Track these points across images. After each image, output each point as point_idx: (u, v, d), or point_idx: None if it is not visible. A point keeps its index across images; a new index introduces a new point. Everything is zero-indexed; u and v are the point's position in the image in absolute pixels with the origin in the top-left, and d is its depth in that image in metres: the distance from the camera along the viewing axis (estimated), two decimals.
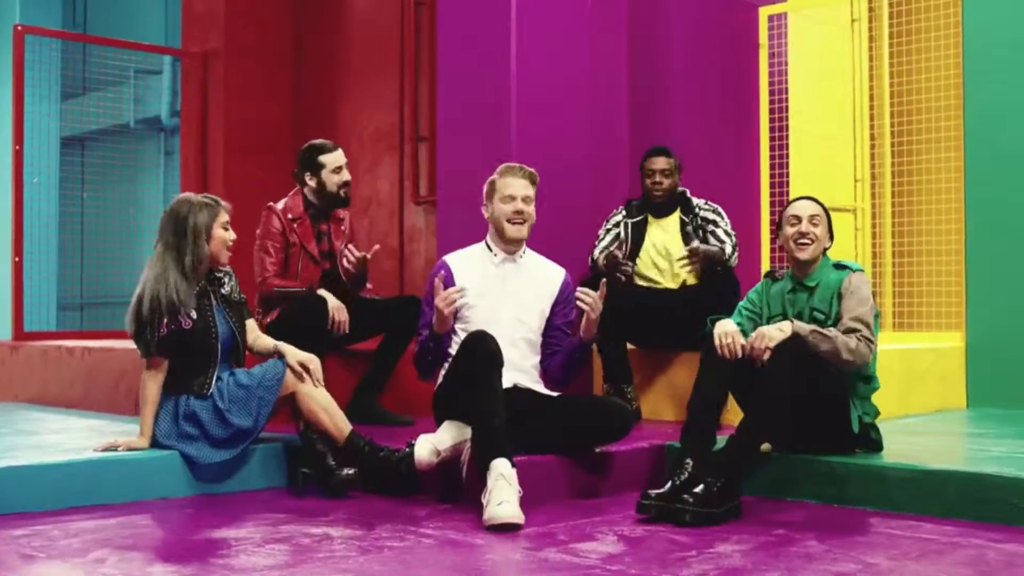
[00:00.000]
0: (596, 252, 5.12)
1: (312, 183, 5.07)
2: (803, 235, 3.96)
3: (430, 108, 6.66)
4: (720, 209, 5.15)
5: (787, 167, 6.76)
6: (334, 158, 5.07)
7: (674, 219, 5.16)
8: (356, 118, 7.23)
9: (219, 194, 7.33)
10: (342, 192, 5.08)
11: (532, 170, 4.10)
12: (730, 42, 6.39)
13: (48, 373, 6.18)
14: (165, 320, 3.92)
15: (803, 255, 3.97)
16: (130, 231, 9.67)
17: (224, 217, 4.05)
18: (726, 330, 3.78)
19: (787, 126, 6.77)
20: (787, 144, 6.78)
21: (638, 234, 5.15)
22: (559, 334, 4.12)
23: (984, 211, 5.83)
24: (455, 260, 4.12)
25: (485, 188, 4.11)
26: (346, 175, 5.09)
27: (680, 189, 5.18)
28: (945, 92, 6.57)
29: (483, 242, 4.15)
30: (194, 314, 3.97)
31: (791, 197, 6.49)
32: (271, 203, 5.11)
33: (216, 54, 7.50)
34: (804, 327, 3.75)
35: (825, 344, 3.72)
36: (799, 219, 3.99)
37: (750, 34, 6.60)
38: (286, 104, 7.59)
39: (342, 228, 5.18)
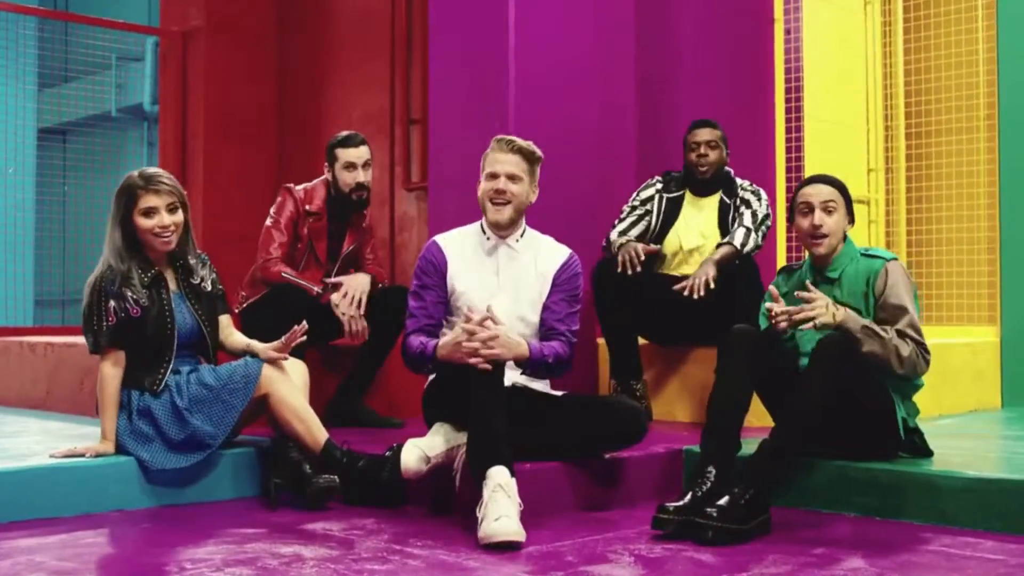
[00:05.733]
0: (614, 234, 4.68)
1: (330, 176, 4.67)
2: (817, 228, 3.51)
3: (422, 88, 6.27)
4: (762, 192, 4.71)
5: (802, 150, 6.33)
6: (347, 153, 4.61)
7: (714, 200, 4.72)
8: (344, 100, 6.83)
9: (199, 182, 7.05)
10: (354, 195, 4.62)
11: (526, 144, 3.58)
12: (743, 15, 5.95)
13: (10, 371, 5.73)
14: (112, 305, 3.49)
15: (820, 250, 3.53)
16: None
17: (150, 201, 3.54)
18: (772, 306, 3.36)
19: (802, 107, 6.35)
20: (802, 126, 6.35)
21: (671, 211, 4.71)
22: (549, 315, 3.58)
23: (1022, 195, 5.40)
24: (448, 242, 3.66)
25: (481, 162, 3.67)
26: (361, 175, 4.61)
27: (726, 169, 4.76)
28: (977, 67, 6.12)
29: (478, 223, 3.69)
30: (145, 301, 3.54)
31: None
32: (290, 184, 4.71)
33: (196, 33, 7.12)
34: (856, 320, 3.31)
35: (877, 346, 3.29)
36: (811, 207, 3.53)
37: (764, 7, 6.16)
38: (270, 85, 7.21)
39: (363, 226, 4.76)
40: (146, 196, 3.54)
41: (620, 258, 4.40)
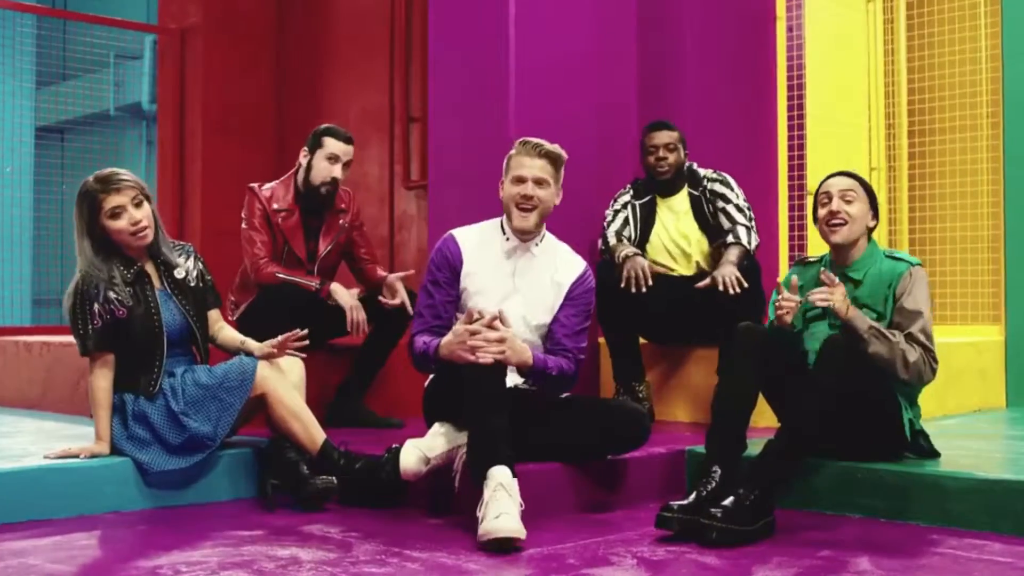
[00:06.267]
0: (611, 235, 4.62)
1: (305, 162, 4.55)
2: (834, 215, 3.46)
3: (422, 86, 6.21)
4: (729, 178, 4.67)
5: (805, 148, 6.27)
6: (335, 145, 4.51)
7: (683, 196, 4.69)
8: (342, 97, 6.78)
9: (197, 180, 7.00)
10: (323, 189, 4.52)
11: (553, 148, 3.49)
12: (745, 13, 5.89)
13: (6, 371, 5.68)
14: (96, 308, 3.43)
15: (836, 238, 3.47)
16: None
17: (114, 201, 3.44)
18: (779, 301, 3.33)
19: (804, 105, 6.29)
20: (804, 124, 6.29)
21: (647, 216, 4.67)
22: (558, 328, 3.52)
23: None
24: (465, 237, 3.55)
25: (504, 162, 3.58)
26: (337, 172, 4.51)
27: (687, 164, 4.71)
28: (980, 65, 6.06)
29: (498, 220, 3.60)
30: (129, 301, 3.47)
31: (808, 182, 6.03)
32: (253, 184, 4.60)
33: (195, 30, 7.07)
34: (863, 320, 3.26)
35: (883, 348, 3.24)
36: (829, 197, 3.49)
37: (767, 5, 6.11)
38: (268, 83, 7.15)
39: (340, 222, 4.64)
40: (108, 197, 3.44)
41: (626, 273, 4.32)
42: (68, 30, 9.10)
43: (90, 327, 3.44)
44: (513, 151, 3.53)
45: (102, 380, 3.48)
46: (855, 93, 6.73)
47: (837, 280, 3.31)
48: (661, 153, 4.64)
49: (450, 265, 3.50)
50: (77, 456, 3.47)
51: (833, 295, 3.25)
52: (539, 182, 3.46)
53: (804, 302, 3.39)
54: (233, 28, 7.02)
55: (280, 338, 3.58)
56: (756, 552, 2.90)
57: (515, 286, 3.51)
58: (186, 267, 3.66)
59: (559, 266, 3.57)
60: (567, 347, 3.51)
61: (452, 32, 5.02)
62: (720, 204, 4.60)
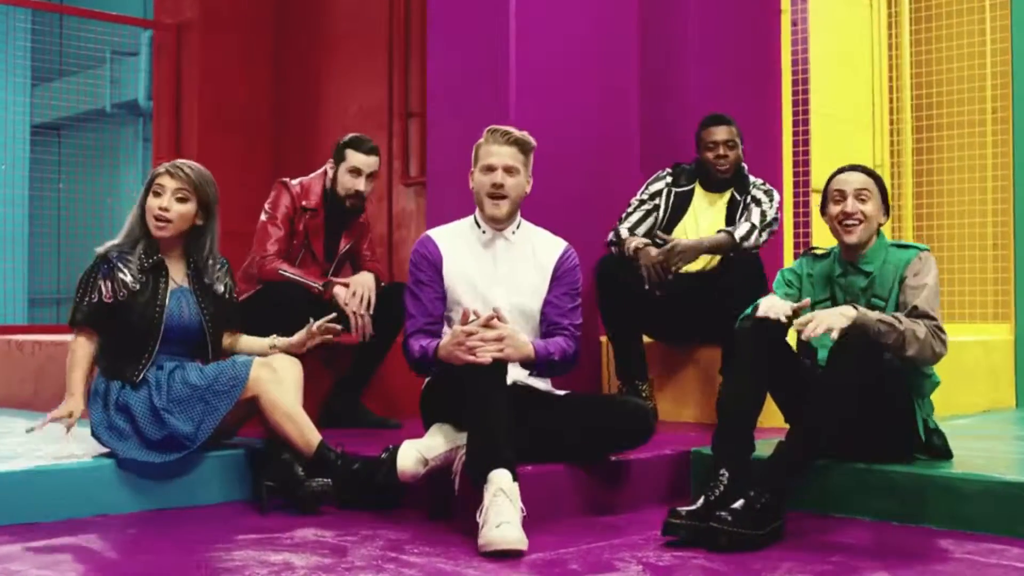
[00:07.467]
0: (623, 230, 4.51)
1: (332, 173, 4.53)
2: (849, 215, 3.36)
3: (420, 81, 6.13)
4: (774, 193, 4.54)
5: (809, 144, 6.18)
6: (356, 158, 4.45)
7: (725, 197, 4.56)
8: (341, 93, 6.70)
9: None
10: (348, 202, 4.48)
11: (522, 135, 3.45)
12: (749, 6, 5.80)
13: None
14: (100, 285, 3.45)
15: (851, 239, 3.37)
16: (109, 222, 9.12)
17: (161, 181, 3.48)
18: (773, 303, 3.21)
19: (809, 100, 6.20)
20: (808, 120, 6.20)
21: (680, 206, 4.55)
22: (551, 309, 3.45)
23: None
24: (442, 236, 3.51)
25: (472, 153, 3.53)
26: (361, 184, 4.46)
27: (741, 164, 4.58)
28: (986, 59, 5.96)
29: (471, 217, 3.55)
30: (136, 285, 3.44)
31: (812, 178, 5.95)
32: (285, 179, 4.57)
33: (191, 25, 6.99)
34: (870, 315, 3.16)
35: (892, 335, 3.13)
36: (844, 195, 3.39)
37: None
38: (266, 79, 7.07)
39: (360, 221, 4.64)
40: (161, 177, 3.49)
41: (647, 275, 4.26)
42: (64, 26, 9.01)
43: (87, 299, 3.45)
44: (481, 140, 3.49)
45: (82, 348, 3.49)
46: (859, 88, 6.63)
47: (809, 316, 3.13)
48: (721, 151, 4.50)
49: (430, 263, 3.45)
50: (58, 420, 3.41)
51: (820, 322, 3.08)
52: (509, 170, 3.42)
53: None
54: (230, 23, 6.94)
55: (314, 327, 3.62)
56: (766, 557, 2.81)
57: (497, 276, 3.45)
58: (216, 276, 3.64)
59: (538, 249, 3.52)
60: (563, 324, 3.45)
61: (451, 27, 4.93)
62: (751, 207, 4.48)
